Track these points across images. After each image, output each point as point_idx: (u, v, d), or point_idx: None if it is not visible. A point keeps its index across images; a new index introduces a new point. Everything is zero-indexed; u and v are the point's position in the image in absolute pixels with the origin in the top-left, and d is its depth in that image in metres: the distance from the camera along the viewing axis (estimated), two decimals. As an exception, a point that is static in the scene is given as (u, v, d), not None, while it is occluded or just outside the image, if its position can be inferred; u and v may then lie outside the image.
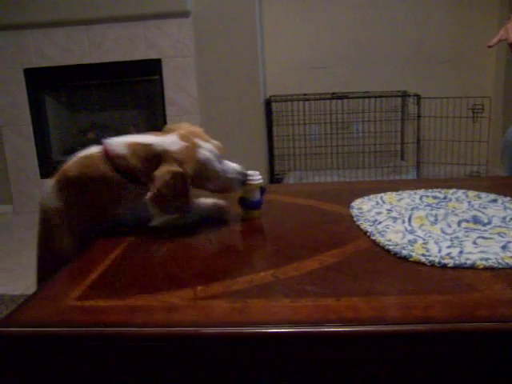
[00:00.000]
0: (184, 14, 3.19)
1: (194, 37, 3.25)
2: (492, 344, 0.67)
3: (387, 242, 0.94)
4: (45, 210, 1.15)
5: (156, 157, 1.07)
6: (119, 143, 1.11)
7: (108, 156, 1.10)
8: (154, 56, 3.28)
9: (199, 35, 3.26)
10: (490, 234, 0.96)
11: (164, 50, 3.27)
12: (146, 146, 1.09)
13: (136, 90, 3.56)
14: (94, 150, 1.14)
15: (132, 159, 1.08)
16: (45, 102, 3.48)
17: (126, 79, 3.42)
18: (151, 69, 3.30)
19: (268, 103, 3.40)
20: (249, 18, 3.24)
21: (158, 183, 1.04)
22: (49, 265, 1.16)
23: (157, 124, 3.44)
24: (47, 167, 3.48)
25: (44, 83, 3.42)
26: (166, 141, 1.09)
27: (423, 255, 0.87)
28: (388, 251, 0.92)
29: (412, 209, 1.13)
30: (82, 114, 3.70)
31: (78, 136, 3.68)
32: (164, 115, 3.35)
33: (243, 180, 1.16)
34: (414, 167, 3.46)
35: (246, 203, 1.18)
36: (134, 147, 1.10)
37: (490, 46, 1.66)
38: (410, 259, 0.87)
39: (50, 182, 1.14)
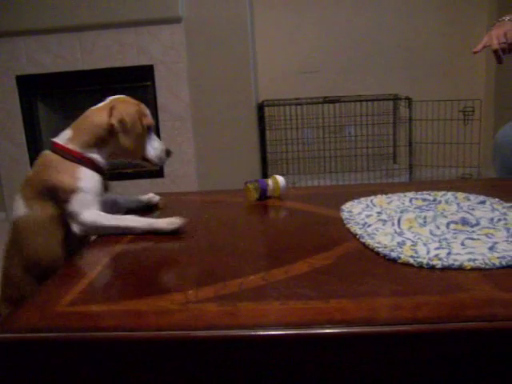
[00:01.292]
0: (176, 20, 3.20)
1: (186, 43, 3.26)
2: (480, 343, 0.68)
3: (376, 245, 0.95)
4: (16, 221, 1.21)
5: (106, 109, 1.23)
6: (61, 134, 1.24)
7: (57, 146, 1.20)
8: (146, 62, 3.29)
9: (191, 41, 3.27)
10: (478, 235, 0.97)
11: (156, 56, 3.28)
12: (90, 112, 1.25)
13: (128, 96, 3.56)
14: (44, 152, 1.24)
15: (81, 136, 1.21)
16: (37, 109, 3.48)
17: (119, 85, 3.42)
18: (143, 75, 3.31)
19: (260, 108, 3.41)
20: (240, 23, 3.26)
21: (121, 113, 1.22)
22: (18, 277, 1.19)
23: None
24: (40, 174, 3.47)
25: (36, 90, 3.42)
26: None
27: (412, 257, 0.88)
28: (377, 253, 0.93)
29: (401, 211, 1.14)
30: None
31: (70, 143, 3.67)
32: (157, 121, 3.36)
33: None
34: (406, 170, 3.49)
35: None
36: (76, 125, 1.24)
37: (475, 52, 1.68)
38: (399, 261, 0.88)
39: (17, 196, 1.21)
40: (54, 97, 3.58)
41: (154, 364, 0.70)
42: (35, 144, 3.47)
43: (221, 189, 1.69)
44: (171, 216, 1.14)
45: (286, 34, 3.59)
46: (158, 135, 3.37)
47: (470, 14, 3.49)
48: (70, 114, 3.65)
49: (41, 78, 3.35)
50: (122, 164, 3.48)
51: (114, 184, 3.55)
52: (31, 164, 3.45)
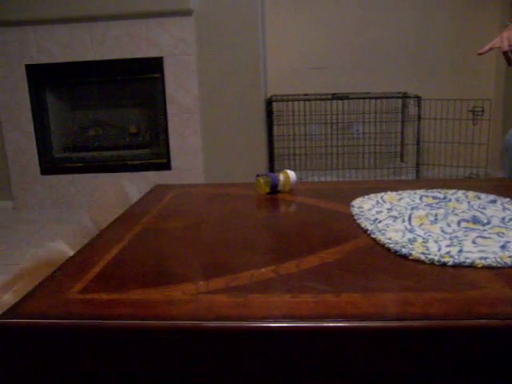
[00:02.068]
0: (186, 13, 3.20)
1: (196, 35, 3.26)
2: (490, 341, 0.68)
3: (387, 241, 0.95)
4: None
5: None
6: None
7: None
8: (155, 54, 3.29)
9: (201, 34, 3.26)
10: (489, 233, 0.96)
11: (166, 48, 3.28)
12: None
13: (137, 88, 3.57)
14: None
15: None
16: (46, 99, 3.48)
17: (128, 77, 3.43)
18: (153, 67, 3.31)
19: (269, 103, 3.41)
20: (251, 17, 3.25)
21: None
22: None
23: (157, 122, 3.45)
24: (48, 164, 3.48)
25: (45, 80, 3.43)
26: None
27: (423, 253, 0.87)
28: (388, 249, 0.93)
29: (412, 208, 1.14)
30: (83, 111, 3.70)
31: (78, 133, 3.68)
32: (165, 113, 3.36)
33: None
34: (413, 169, 3.48)
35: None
36: None
37: (480, 54, 1.65)
38: (410, 257, 0.88)
39: None
40: (63, 87, 3.59)
41: (165, 353, 0.70)
42: (43, 133, 3.48)
43: (227, 182, 1.69)
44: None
45: (296, 29, 3.58)
46: (166, 128, 3.38)
47: (481, 13, 3.47)
48: (78, 104, 3.67)
49: (50, 68, 3.35)
50: (129, 156, 3.48)
51: (120, 176, 3.53)
52: (39, 153, 3.46)
